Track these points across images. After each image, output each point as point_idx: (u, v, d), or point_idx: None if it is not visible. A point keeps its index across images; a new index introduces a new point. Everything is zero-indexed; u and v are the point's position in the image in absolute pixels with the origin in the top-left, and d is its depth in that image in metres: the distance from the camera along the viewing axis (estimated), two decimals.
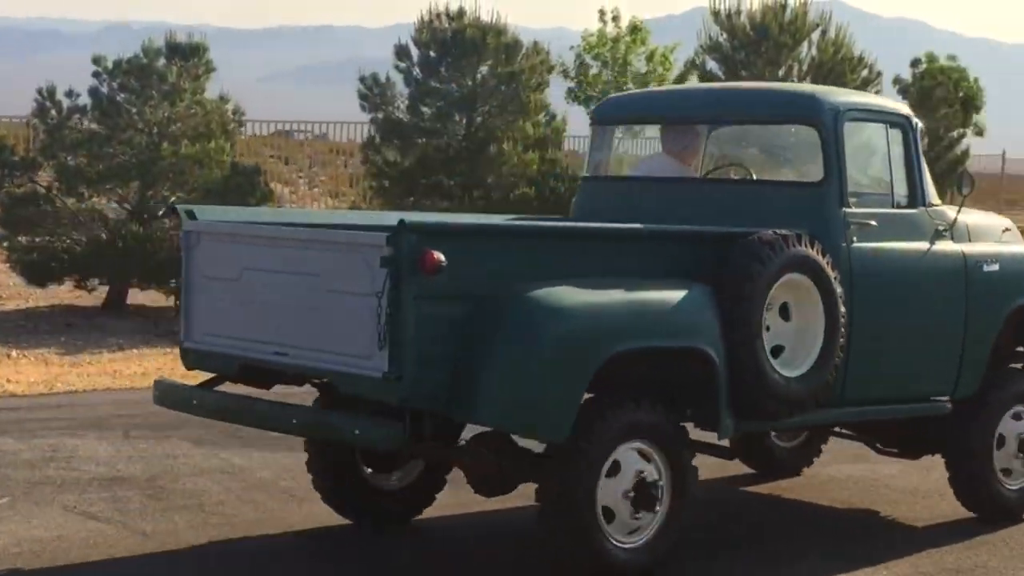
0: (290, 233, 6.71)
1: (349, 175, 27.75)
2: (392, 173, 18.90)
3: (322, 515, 7.75)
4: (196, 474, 8.78)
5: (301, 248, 6.58)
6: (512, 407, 6.17)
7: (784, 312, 7.02)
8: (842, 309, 7.08)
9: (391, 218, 6.69)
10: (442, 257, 5.98)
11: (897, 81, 26.94)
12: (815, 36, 22.02)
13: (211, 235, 6.98)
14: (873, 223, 7.50)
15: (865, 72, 22.38)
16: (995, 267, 8.11)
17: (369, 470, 7.54)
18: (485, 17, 19.09)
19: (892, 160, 7.78)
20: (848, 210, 7.42)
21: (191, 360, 7.10)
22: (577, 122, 20.34)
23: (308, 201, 26.92)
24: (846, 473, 9.33)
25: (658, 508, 6.58)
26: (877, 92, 21.27)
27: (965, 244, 8.04)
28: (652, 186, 8.07)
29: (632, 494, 6.48)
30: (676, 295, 6.64)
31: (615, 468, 6.45)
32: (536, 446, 6.61)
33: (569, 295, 6.31)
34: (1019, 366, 8.49)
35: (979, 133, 40.45)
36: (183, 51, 17.02)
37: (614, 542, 6.47)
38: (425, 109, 18.97)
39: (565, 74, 24.34)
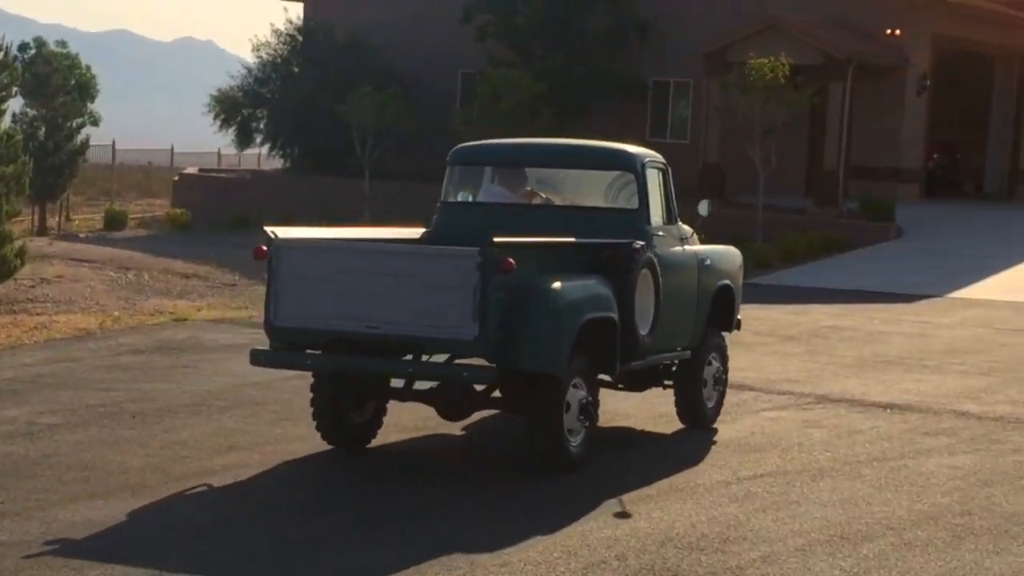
0: (391, 247, 10.69)
1: None
2: None
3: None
4: None
5: (399, 257, 10.30)
6: (539, 356, 9.83)
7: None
8: (658, 290, 11.02)
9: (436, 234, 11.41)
10: (514, 262, 9.56)
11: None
12: None
13: (301, 248, 10.33)
14: (661, 234, 11.47)
15: None
16: (709, 261, 12.30)
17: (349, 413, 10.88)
18: None
19: (663, 192, 11.67)
20: (650, 227, 11.33)
21: (280, 335, 10.26)
22: None
23: None
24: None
25: (590, 422, 10.43)
26: None
27: (694, 247, 12.18)
28: (499, 209, 11.70)
29: (579, 409, 10.25)
30: (600, 286, 10.41)
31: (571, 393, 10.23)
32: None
33: (564, 286, 10.04)
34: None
35: (95, 123, 39.93)
36: None
37: (571, 440, 10.28)
38: None
39: None
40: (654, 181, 11.55)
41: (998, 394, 15.20)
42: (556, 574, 8.36)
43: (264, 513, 9.60)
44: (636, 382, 11.97)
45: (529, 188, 11.93)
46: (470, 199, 12.06)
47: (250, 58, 41.97)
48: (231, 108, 40.84)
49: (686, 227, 12.17)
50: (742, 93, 29.90)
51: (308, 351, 10.32)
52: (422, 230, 11.83)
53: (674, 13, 36.35)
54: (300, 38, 41.52)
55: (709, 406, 12.50)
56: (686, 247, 11.98)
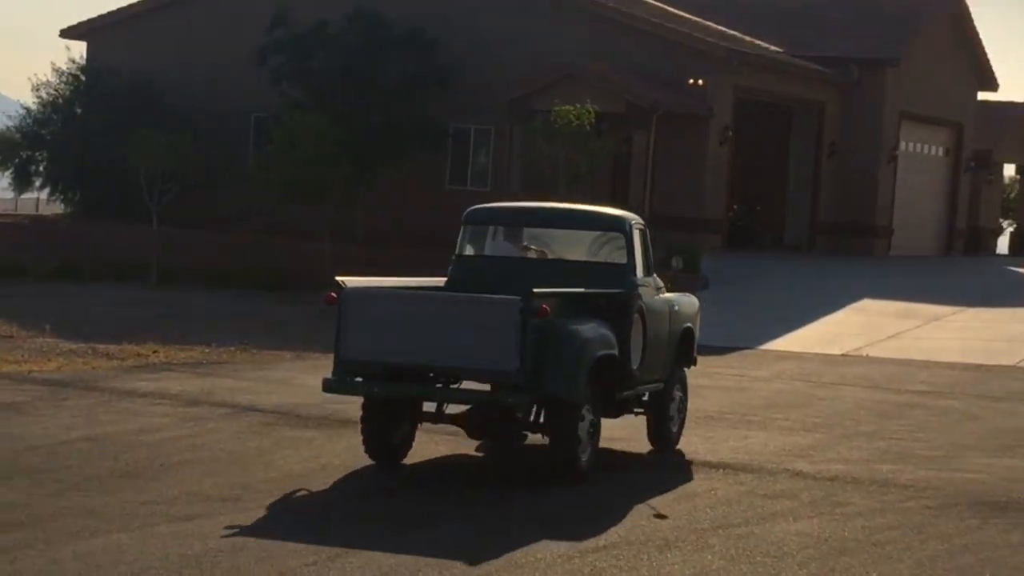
0: (444, 295, 12.77)
1: None
2: None
3: None
4: None
5: (452, 303, 12.32)
6: (563, 385, 11.71)
7: None
8: (645, 330, 12.92)
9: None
10: (549, 308, 11.54)
11: None
12: None
13: (366, 296, 12.23)
14: (644, 285, 13.18)
15: None
16: (676, 307, 14.06)
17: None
18: None
19: (643, 250, 13.43)
20: (636, 279, 13.09)
21: (347, 367, 12.11)
22: None
23: None
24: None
25: (595, 440, 12.27)
26: None
27: (665, 295, 13.94)
28: (510, 263, 13.57)
29: (588, 430, 12.07)
30: (604, 328, 12.24)
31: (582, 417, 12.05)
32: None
33: (583, 328, 12.01)
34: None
35: None
36: None
37: (582, 456, 12.02)
38: None
39: None
40: (638, 240, 13.42)
41: (828, 452, 14.61)
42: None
43: None
44: (615, 410, 13.21)
45: (525, 244, 13.93)
46: (483, 252, 13.83)
47: (32, 101, 39.93)
48: (8, 150, 38.75)
49: (659, 278, 13.96)
50: (547, 140, 29.29)
51: (366, 379, 12.18)
52: (443, 280, 13.49)
53: (475, 61, 35.65)
54: (83, 78, 39.66)
55: (674, 430, 14.29)
56: (661, 295, 13.86)
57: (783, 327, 25.61)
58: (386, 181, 35.80)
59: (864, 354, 23.03)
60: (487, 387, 12.17)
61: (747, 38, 37.84)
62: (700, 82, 33.62)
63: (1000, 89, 44.84)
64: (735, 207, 38.01)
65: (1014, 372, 21.31)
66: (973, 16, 42.51)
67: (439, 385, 12.27)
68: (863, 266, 35.06)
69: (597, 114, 29.69)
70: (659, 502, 11.70)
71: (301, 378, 18.14)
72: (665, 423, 13.99)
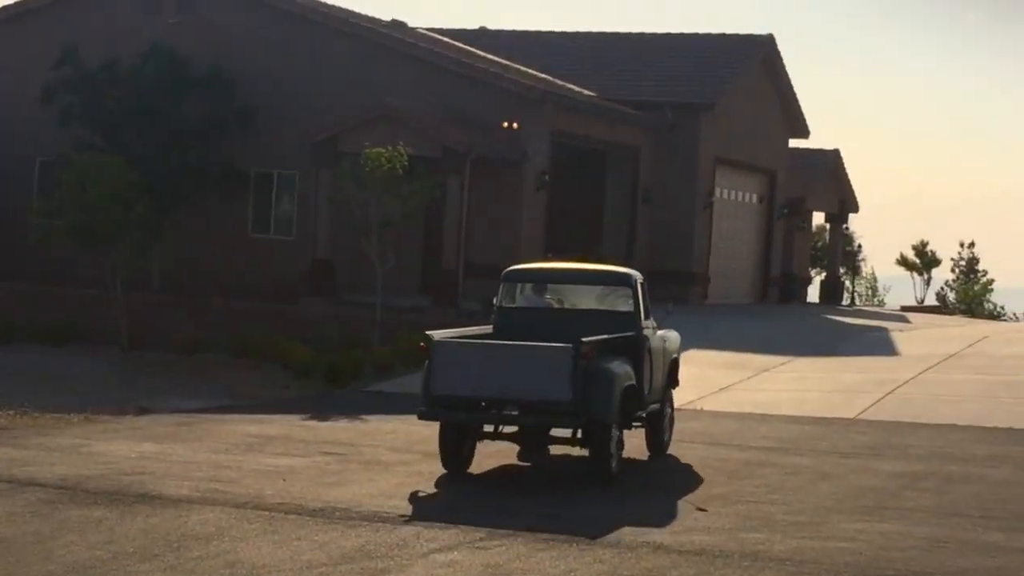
0: (513, 344, 15.30)
1: None
2: None
3: None
4: None
5: (520, 350, 15.11)
6: (602, 410, 14.77)
7: None
8: (651, 363, 16.25)
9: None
10: (594, 352, 14.77)
11: None
12: None
13: (449, 346, 15.22)
14: (646, 328, 16.22)
15: None
16: (667, 342, 17.28)
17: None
18: None
19: (644, 299, 16.44)
20: (641, 323, 16.17)
21: (436, 400, 15.03)
22: None
23: None
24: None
25: (621, 451, 15.36)
26: None
27: (659, 332, 16.98)
28: (539, 311, 16.88)
29: (617, 444, 15.20)
30: (626, 364, 15.45)
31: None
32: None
33: (613, 366, 15.08)
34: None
35: None
36: None
37: (613, 463, 15.08)
38: None
39: None
40: (640, 292, 16.51)
41: (685, 519, 13.23)
42: None
43: None
44: (629, 426, 16.13)
45: (549, 296, 17.15)
46: (520, 305, 16.99)
47: None
48: None
49: (654, 320, 16.90)
50: (357, 184, 27.62)
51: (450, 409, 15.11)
52: (490, 327, 16.75)
53: (280, 102, 33.89)
54: None
55: (665, 439, 17.52)
56: (656, 333, 16.86)
57: None
58: (186, 228, 33.77)
59: (698, 408, 21.83)
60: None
61: (559, 82, 36.77)
62: (515, 125, 32.36)
63: (811, 136, 44.59)
64: (549, 255, 36.75)
65: (856, 425, 20.27)
66: (785, 63, 42.18)
67: (506, 413, 15.09)
68: (682, 315, 33.95)
69: (411, 157, 28.15)
70: None
71: (91, 444, 16.22)
72: (660, 434, 17.37)
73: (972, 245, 57.61)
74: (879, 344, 29.53)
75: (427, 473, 15.43)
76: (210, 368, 26.82)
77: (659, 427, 17.19)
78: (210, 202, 33.62)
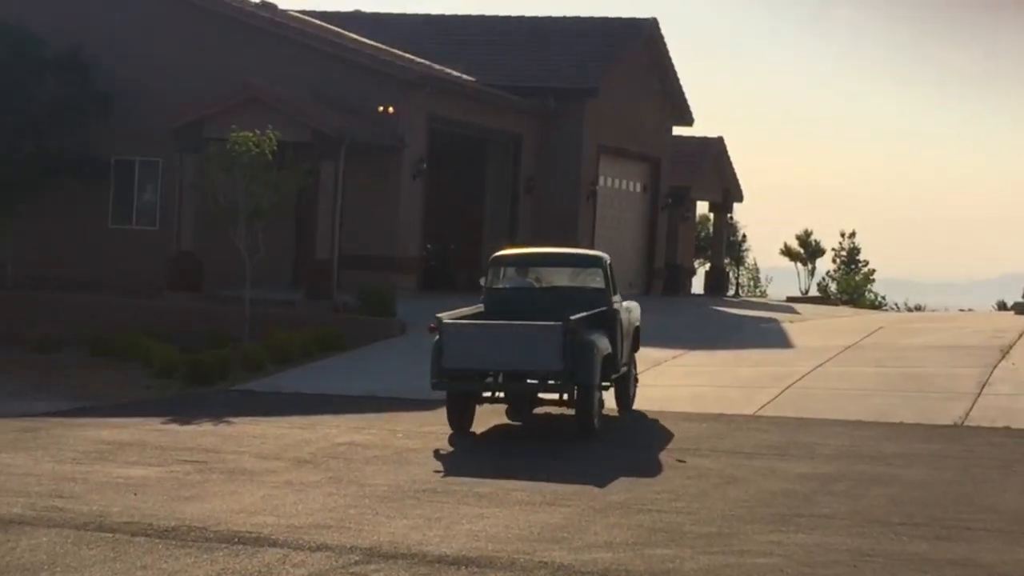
0: (511, 323, 17.41)
1: None
2: None
3: None
4: None
5: (517, 328, 17.24)
6: (587, 376, 16.96)
7: None
8: (621, 332, 18.66)
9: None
10: (580, 328, 16.99)
11: None
12: None
13: (456, 325, 17.39)
14: (615, 302, 18.74)
15: None
16: (630, 312, 19.89)
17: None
18: None
19: (613, 276, 19.11)
20: (613, 298, 18.66)
21: (446, 372, 17.16)
22: None
23: None
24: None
25: (601, 409, 17.80)
26: None
27: (624, 304, 19.55)
28: (523, 291, 19.20)
29: (598, 403, 17.51)
30: (603, 334, 17.77)
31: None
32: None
33: (594, 338, 17.34)
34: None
35: None
36: None
37: (595, 420, 17.32)
38: None
39: None
40: (609, 271, 18.99)
41: (585, 533, 11.89)
42: None
43: None
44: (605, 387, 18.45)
45: (530, 277, 19.65)
46: (505, 285, 19.28)
47: None
48: None
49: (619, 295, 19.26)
50: (224, 170, 25.91)
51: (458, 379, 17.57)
52: (480, 307, 18.93)
53: (139, 86, 32.00)
54: None
55: (631, 395, 19.87)
56: (622, 303, 19.25)
57: None
58: (42, 219, 31.79)
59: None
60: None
61: (438, 66, 35.28)
62: (391, 110, 30.83)
63: (695, 124, 43.58)
64: (428, 246, 35.32)
65: (757, 422, 19.07)
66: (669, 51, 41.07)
67: (506, 381, 17.58)
68: None
69: (281, 143, 26.52)
70: None
71: None
72: (626, 392, 19.73)
73: (853, 235, 57.10)
74: (772, 336, 28.45)
75: (297, 483, 13.93)
76: (65, 368, 24.93)
77: (626, 387, 19.64)
78: (67, 191, 31.68)
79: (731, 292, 48.88)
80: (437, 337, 17.25)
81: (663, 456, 16.10)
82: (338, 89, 31.12)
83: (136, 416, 19.19)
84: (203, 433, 17.53)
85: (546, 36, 39.04)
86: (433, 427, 18.10)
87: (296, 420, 18.76)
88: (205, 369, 22.55)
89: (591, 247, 37.22)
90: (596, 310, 18.02)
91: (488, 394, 17.90)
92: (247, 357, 23.88)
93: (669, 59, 41.19)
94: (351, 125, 29.73)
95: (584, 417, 17.31)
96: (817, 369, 23.21)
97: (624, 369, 19.08)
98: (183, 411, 19.57)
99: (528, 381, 17.55)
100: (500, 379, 17.53)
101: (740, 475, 15.07)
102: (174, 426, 18.16)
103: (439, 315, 17.42)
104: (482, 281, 19.42)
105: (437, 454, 16.09)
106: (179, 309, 28.66)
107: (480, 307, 18.94)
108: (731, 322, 30.39)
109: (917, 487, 14.53)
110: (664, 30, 40.33)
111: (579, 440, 17.15)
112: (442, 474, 14.66)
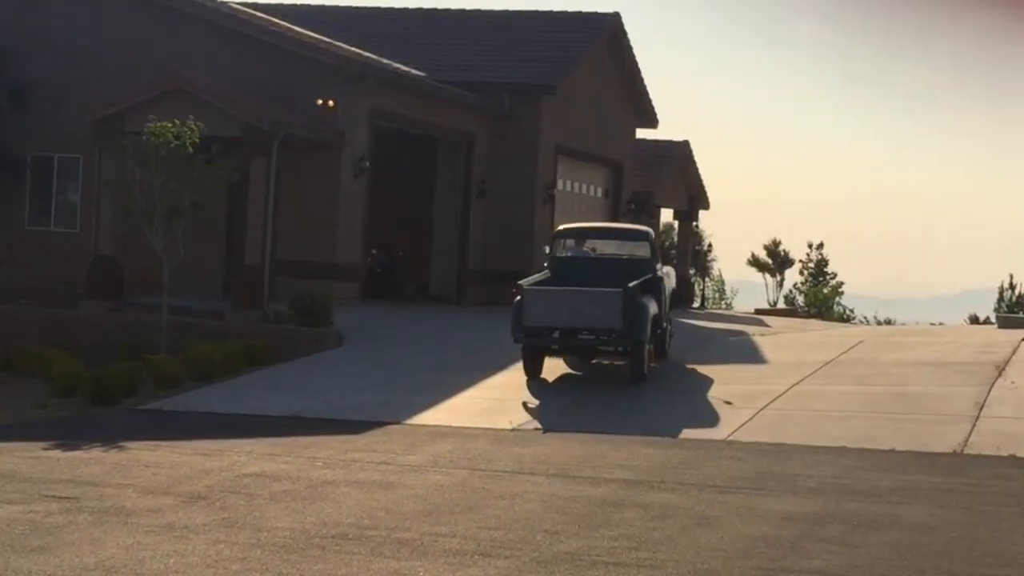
0: (580, 289, 21.32)
1: None
2: None
3: None
4: None
5: (585, 294, 21.04)
6: (641, 333, 20.82)
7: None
8: (664, 295, 23.01)
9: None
10: (639, 293, 21.25)
11: None
12: None
13: (535, 290, 21.22)
14: (659, 269, 22.79)
15: None
16: (669, 278, 23.93)
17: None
18: None
19: (658, 247, 24.06)
20: (657, 266, 22.75)
21: (525, 329, 20.77)
22: None
23: None
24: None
25: (650, 360, 21.74)
26: None
27: (664, 269, 23.80)
28: (582, 260, 23.41)
29: (648, 355, 21.42)
30: (652, 297, 21.64)
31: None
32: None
33: (646, 301, 21.25)
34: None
35: None
36: None
37: (645, 367, 21.12)
38: None
39: None
40: (655, 243, 23.52)
41: None
42: None
43: None
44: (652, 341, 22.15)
45: (588, 247, 23.99)
46: (567, 255, 23.46)
47: None
48: None
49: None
50: (140, 164, 23.46)
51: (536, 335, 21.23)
52: (547, 273, 22.71)
53: (60, 77, 29.59)
54: None
55: (667, 349, 23.44)
56: (662, 270, 23.10)
57: (435, 393, 20.56)
58: None
59: (538, 427, 18.22)
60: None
61: (385, 60, 32.90)
62: (331, 103, 28.46)
63: (660, 128, 41.31)
64: (373, 252, 32.91)
65: (730, 448, 16.76)
66: (633, 48, 38.80)
67: (577, 336, 21.01)
68: None
69: (208, 137, 24.10)
70: None
71: None
72: (664, 345, 23.12)
73: (821, 246, 54.92)
74: (743, 350, 26.11)
75: (179, 527, 11.52)
76: None
77: (663, 340, 23.01)
78: None
79: (696, 304, 46.66)
80: (518, 298, 20.73)
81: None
82: (274, 81, 28.78)
83: (18, 440, 16.73)
84: (87, 461, 15.07)
85: (501, 30, 36.72)
86: (358, 454, 15.71)
87: (202, 445, 16.33)
88: (109, 385, 20.06)
89: None
90: (645, 277, 21.70)
91: (554, 347, 21.40)
92: (160, 372, 21.41)
93: (633, 56, 38.92)
94: (286, 118, 27.33)
95: (637, 367, 20.85)
96: (794, 388, 20.92)
97: (666, 325, 23.08)
98: (74, 434, 17.12)
99: (585, 336, 20.92)
100: (561, 335, 20.97)
101: (712, 514, 12.74)
102: (56, 452, 15.69)
103: (520, 281, 21.25)
104: (546, 249, 23.16)
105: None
106: (96, 319, 26.18)
107: (547, 273, 22.39)
108: (698, 335, 28.05)
109: (922, 531, 12.22)
110: (627, 27, 38.09)
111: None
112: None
